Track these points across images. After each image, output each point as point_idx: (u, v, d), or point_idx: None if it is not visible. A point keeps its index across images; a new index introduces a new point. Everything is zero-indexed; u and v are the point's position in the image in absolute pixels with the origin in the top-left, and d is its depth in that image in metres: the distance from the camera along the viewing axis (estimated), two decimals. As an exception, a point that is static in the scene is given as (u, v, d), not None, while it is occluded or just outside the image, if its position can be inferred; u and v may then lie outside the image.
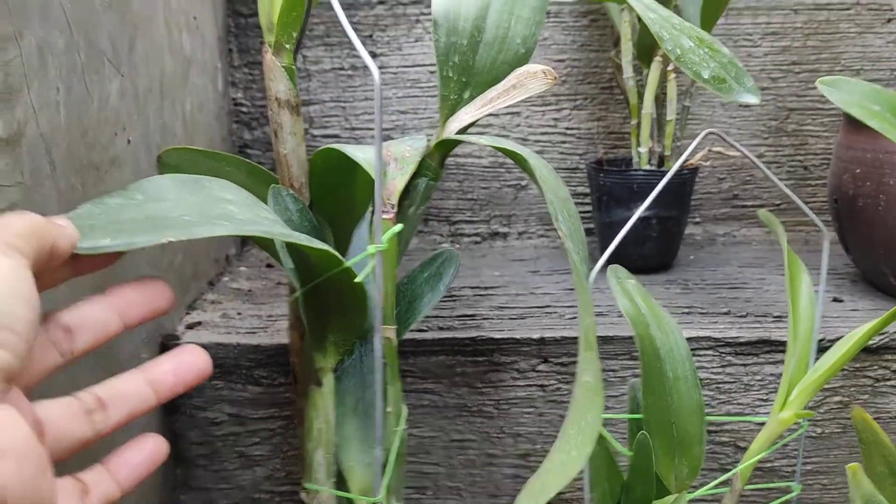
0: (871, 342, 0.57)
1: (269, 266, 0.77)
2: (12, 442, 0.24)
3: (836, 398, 0.59)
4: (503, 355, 0.57)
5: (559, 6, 0.82)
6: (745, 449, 0.58)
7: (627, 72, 0.73)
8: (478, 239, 0.87)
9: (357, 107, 0.84)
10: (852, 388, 0.58)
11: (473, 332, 0.57)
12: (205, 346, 0.54)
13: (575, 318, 0.60)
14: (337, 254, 0.36)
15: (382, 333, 0.41)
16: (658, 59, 0.70)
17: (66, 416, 0.30)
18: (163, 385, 0.33)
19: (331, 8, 0.39)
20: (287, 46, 0.42)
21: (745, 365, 0.57)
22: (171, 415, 0.56)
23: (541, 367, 0.57)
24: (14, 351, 0.25)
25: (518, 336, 0.57)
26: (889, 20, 0.84)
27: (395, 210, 0.41)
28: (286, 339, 0.51)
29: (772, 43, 0.84)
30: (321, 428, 0.43)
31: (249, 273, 0.75)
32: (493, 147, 0.42)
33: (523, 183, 0.85)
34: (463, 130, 0.44)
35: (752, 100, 0.44)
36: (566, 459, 0.29)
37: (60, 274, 0.30)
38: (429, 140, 0.45)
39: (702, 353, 0.57)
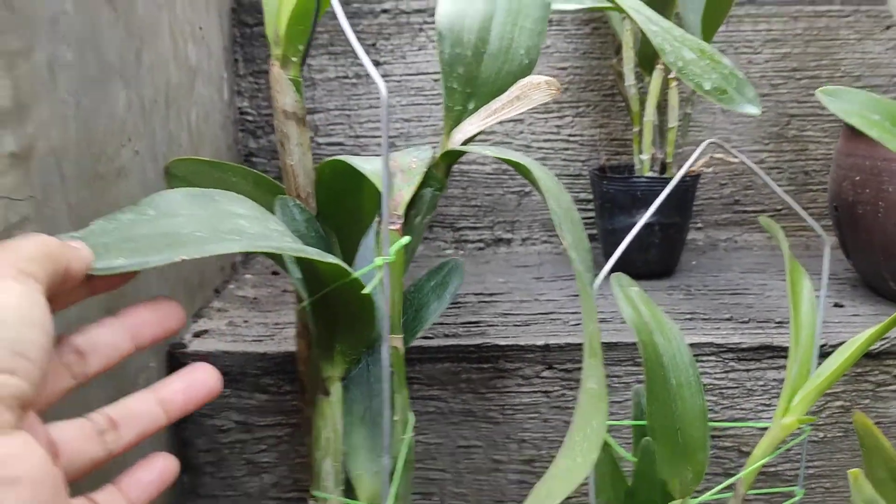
0: (872, 347, 0.57)
1: (274, 273, 0.77)
2: (28, 470, 0.24)
3: (838, 403, 0.59)
4: (508, 362, 0.57)
5: (561, 14, 0.82)
6: (748, 454, 0.58)
7: (629, 79, 0.73)
8: (481, 245, 0.87)
9: (361, 115, 0.84)
10: (854, 393, 0.59)
11: (478, 338, 0.57)
12: (212, 355, 0.56)
13: (579, 324, 0.60)
14: (346, 266, 0.37)
15: (390, 343, 0.41)
16: (660, 66, 0.71)
17: (80, 437, 0.30)
18: (173, 405, 0.34)
19: (335, 17, 0.39)
20: (294, 59, 0.43)
21: (747, 370, 0.58)
22: (179, 423, 0.56)
23: (545, 374, 0.57)
24: (28, 378, 0.25)
25: (523, 343, 0.57)
26: (888, 27, 0.84)
27: (402, 221, 0.42)
28: (293, 347, 0.51)
29: (772, 49, 0.85)
30: (329, 437, 0.43)
31: (255, 280, 0.75)
32: (498, 158, 0.42)
33: (527, 189, 0.86)
34: (467, 141, 0.45)
35: (753, 111, 0.44)
36: (572, 465, 0.30)
37: (74, 295, 0.30)
38: (434, 151, 0.45)
39: (705, 358, 0.58)
